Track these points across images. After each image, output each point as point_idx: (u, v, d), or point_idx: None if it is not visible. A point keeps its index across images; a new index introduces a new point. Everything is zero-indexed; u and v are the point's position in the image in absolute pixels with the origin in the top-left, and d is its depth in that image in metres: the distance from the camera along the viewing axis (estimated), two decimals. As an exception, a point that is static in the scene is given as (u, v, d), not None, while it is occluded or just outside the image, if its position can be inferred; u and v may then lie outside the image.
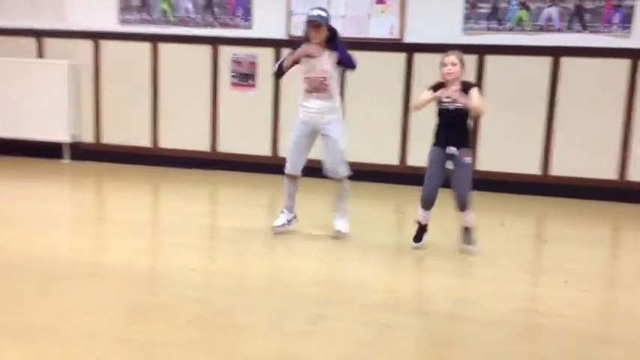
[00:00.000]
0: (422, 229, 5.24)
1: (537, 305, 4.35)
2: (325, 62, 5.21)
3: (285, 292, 4.42)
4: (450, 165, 5.01)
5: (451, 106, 4.94)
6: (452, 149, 4.96)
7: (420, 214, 5.21)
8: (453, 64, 4.92)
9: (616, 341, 3.85)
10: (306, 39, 5.27)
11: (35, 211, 6.11)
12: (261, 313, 4.02)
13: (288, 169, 5.46)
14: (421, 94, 5.09)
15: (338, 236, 5.41)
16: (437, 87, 5.00)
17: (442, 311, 4.17)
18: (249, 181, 7.50)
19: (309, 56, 5.20)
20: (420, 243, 5.23)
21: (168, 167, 7.96)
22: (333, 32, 5.22)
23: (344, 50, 5.25)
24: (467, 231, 5.17)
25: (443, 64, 4.96)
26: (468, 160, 5.00)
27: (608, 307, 4.48)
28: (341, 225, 5.46)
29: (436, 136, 5.07)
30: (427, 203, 5.14)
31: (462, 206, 5.06)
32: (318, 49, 5.19)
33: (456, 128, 4.99)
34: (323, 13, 5.18)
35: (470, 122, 5.05)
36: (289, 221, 5.58)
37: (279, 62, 5.41)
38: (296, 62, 5.28)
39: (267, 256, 5.23)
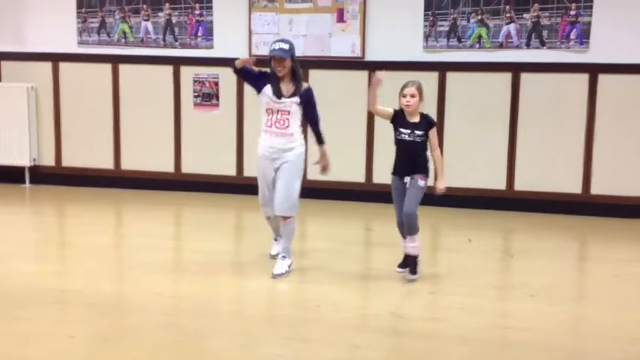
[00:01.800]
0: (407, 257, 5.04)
1: (506, 320, 4.38)
2: (290, 102, 5.07)
3: (255, 314, 4.39)
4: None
5: (408, 137, 4.93)
6: (407, 179, 4.93)
7: (402, 244, 5.03)
8: (412, 96, 4.89)
9: (585, 354, 3.89)
10: (271, 71, 5.12)
11: (-5, 237, 6.01)
12: (231, 337, 3.98)
13: (262, 209, 5.29)
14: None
15: (273, 278, 5.00)
16: (399, 112, 5.00)
17: (412, 329, 4.17)
18: (214, 202, 7.44)
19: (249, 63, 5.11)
20: (403, 270, 5.02)
21: (131, 189, 7.86)
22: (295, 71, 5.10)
23: (313, 108, 5.18)
24: (410, 259, 4.98)
25: (402, 95, 4.93)
26: (421, 182, 4.91)
27: (576, 320, 4.52)
28: (279, 266, 5.08)
29: (394, 165, 5.03)
30: (403, 230, 5.03)
31: (408, 229, 4.89)
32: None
33: (412, 157, 4.94)
34: (285, 46, 5.03)
35: (428, 152, 5.01)
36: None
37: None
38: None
39: (235, 279, 5.18)
